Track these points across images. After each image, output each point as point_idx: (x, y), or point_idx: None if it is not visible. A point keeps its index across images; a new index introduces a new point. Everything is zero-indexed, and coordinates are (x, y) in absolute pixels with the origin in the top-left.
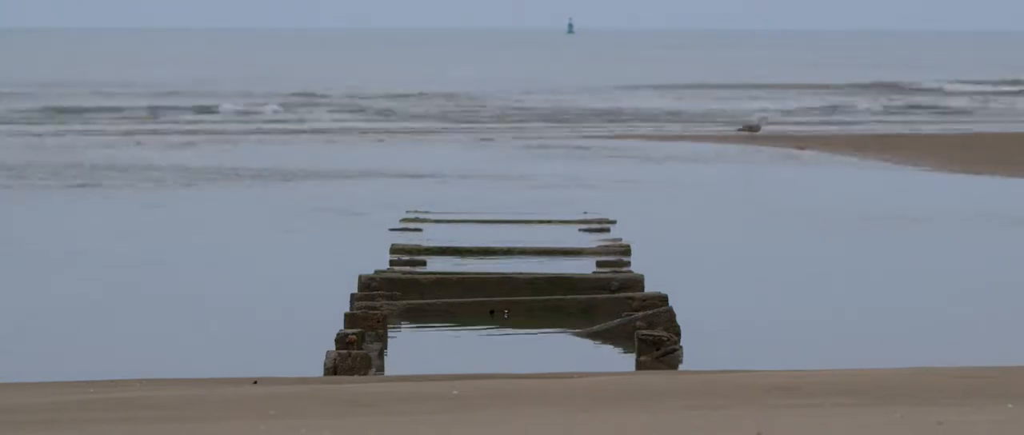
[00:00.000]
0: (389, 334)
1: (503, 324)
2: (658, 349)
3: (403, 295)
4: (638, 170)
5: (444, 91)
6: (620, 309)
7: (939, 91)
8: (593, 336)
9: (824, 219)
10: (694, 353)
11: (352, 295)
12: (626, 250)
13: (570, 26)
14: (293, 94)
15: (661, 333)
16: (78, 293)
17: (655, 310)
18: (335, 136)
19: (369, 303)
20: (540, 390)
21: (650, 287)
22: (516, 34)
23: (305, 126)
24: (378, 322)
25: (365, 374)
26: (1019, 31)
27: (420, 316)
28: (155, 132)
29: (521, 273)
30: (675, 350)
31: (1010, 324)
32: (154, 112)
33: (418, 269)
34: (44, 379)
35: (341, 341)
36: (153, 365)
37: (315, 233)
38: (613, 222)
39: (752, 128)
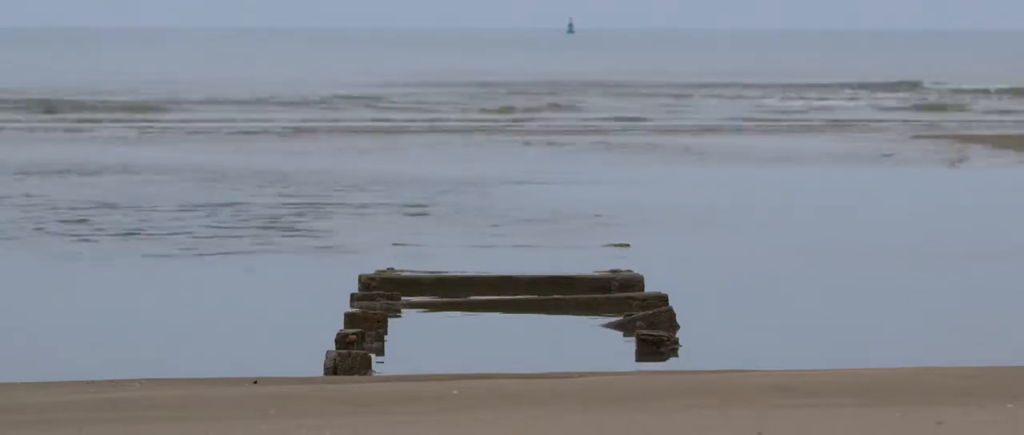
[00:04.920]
0: (390, 318)
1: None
2: (658, 349)
3: (403, 295)
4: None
5: (440, 89)
6: (620, 309)
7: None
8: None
9: (824, 219)
10: (694, 353)
11: (352, 295)
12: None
13: (570, 26)
14: (281, 91)
15: (661, 333)
16: (78, 292)
17: (655, 310)
18: (333, 135)
19: (369, 303)
20: (540, 390)
21: (650, 287)
22: (516, 34)
23: (292, 125)
24: (378, 322)
25: (365, 374)
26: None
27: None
28: (161, 129)
29: (521, 273)
30: (675, 350)
31: (1010, 324)
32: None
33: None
34: (43, 379)
35: (341, 341)
36: (153, 365)
37: (315, 233)
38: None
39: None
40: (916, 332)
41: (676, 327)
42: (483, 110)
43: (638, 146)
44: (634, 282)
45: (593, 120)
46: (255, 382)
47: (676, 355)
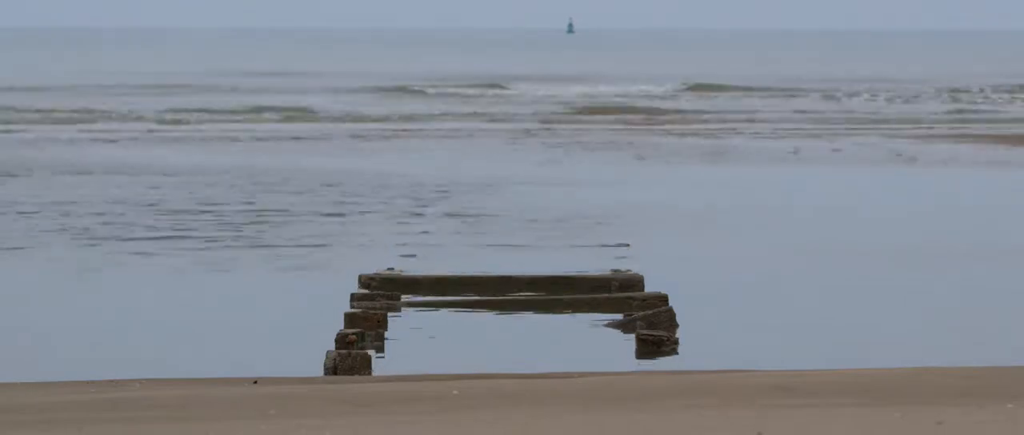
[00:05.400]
0: (390, 318)
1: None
2: (658, 349)
3: (403, 295)
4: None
5: (440, 89)
6: (620, 309)
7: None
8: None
9: (822, 219)
10: (694, 353)
11: (352, 295)
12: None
13: (570, 26)
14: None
15: (661, 333)
16: (78, 292)
17: (655, 310)
18: (333, 136)
19: (369, 303)
20: (540, 390)
21: (650, 287)
22: (516, 34)
23: (292, 126)
24: (378, 322)
25: (365, 374)
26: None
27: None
28: (173, 126)
29: (521, 273)
30: (675, 350)
31: (1010, 324)
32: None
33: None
34: (43, 379)
35: (341, 341)
36: (153, 365)
37: (316, 233)
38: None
39: None
40: (916, 332)
41: (676, 327)
42: (481, 110)
43: (638, 146)
44: (634, 282)
45: (593, 120)
46: (255, 382)
47: (676, 355)
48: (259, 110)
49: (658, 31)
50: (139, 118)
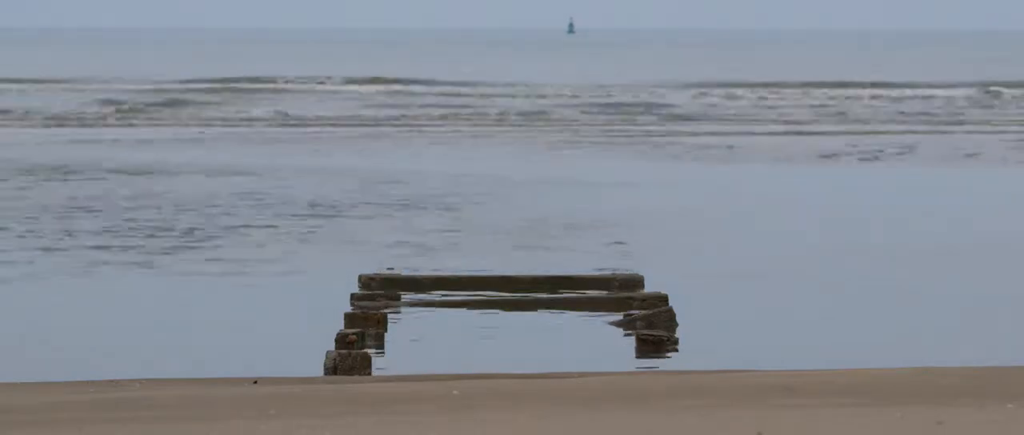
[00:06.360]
0: (390, 318)
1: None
2: (658, 349)
3: (403, 295)
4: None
5: (433, 87)
6: (620, 308)
7: None
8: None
9: (822, 218)
10: (694, 353)
11: (352, 295)
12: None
13: (570, 26)
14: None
15: (661, 333)
16: (78, 293)
17: (655, 310)
18: (332, 135)
19: (369, 303)
20: (540, 390)
21: (650, 287)
22: (516, 34)
23: (291, 125)
24: (378, 322)
25: (365, 374)
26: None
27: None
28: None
29: (521, 272)
30: (675, 349)
31: (1010, 324)
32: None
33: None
34: (43, 379)
35: (341, 341)
36: (153, 365)
37: (315, 232)
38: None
39: None
40: (916, 332)
41: (676, 327)
42: (482, 111)
43: (638, 145)
44: (634, 282)
45: (593, 120)
46: (255, 382)
47: (676, 355)
48: (256, 110)
49: (659, 31)
50: (137, 117)
